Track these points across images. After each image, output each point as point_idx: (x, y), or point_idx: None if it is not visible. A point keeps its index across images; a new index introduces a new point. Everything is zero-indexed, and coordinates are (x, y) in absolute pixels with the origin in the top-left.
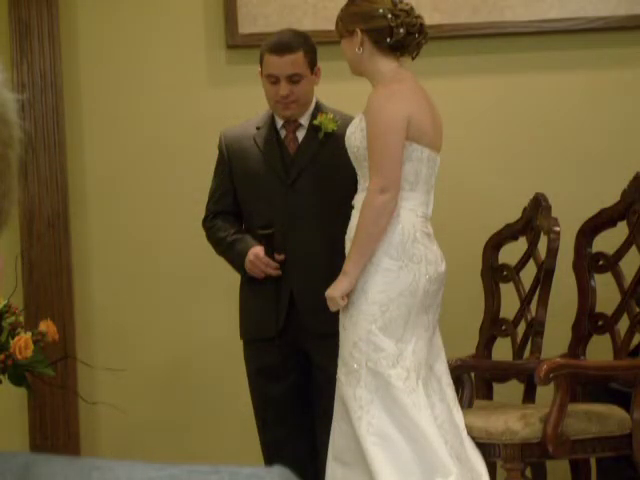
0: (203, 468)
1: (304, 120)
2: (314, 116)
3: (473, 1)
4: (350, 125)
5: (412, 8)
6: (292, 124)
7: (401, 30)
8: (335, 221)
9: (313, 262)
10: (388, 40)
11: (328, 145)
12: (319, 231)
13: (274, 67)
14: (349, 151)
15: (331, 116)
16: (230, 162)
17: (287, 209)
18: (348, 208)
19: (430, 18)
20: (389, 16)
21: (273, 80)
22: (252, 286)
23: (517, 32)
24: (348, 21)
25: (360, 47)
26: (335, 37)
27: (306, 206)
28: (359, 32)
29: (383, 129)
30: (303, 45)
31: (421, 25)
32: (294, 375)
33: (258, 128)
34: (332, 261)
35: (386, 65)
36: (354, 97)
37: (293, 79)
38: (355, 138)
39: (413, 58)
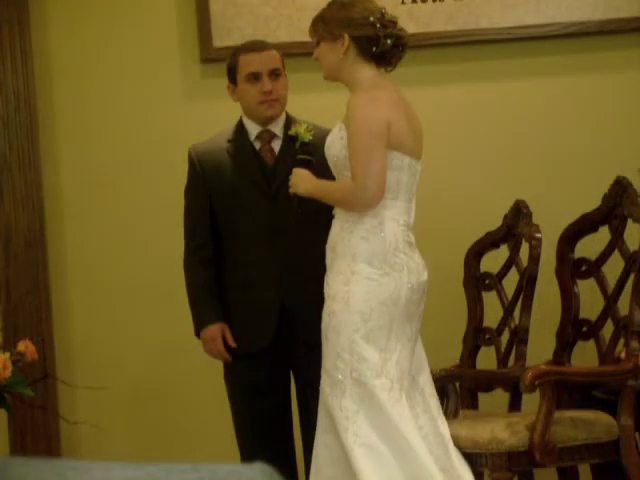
0: (182, 467)
1: (278, 130)
2: (287, 126)
3: (448, 9)
4: (330, 134)
5: (397, 20)
6: (266, 134)
7: (388, 41)
8: (318, 230)
9: (300, 272)
10: (374, 49)
11: (305, 155)
12: (304, 240)
13: (255, 64)
14: (329, 160)
15: (305, 126)
16: (205, 177)
17: (271, 220)
18: (329, 216)
19: (405, 27)
20: (378, 25)
21: (254, 78)
22: (238, 296)
23: (493, 39)
24: (335, 25)
25: (344, 53)
26: (310, 49)
27: (289, 216)
28: (347, 38)
29: (365, 130)
30: (273, 46)
31: (405, 38)
32: (280, 391)
33: (229, 141)
34: (319, 269)
35: (366, 72)
36: (327, 109)
37: (275, 73)
38: (335, 147)
39: (389, 71)
